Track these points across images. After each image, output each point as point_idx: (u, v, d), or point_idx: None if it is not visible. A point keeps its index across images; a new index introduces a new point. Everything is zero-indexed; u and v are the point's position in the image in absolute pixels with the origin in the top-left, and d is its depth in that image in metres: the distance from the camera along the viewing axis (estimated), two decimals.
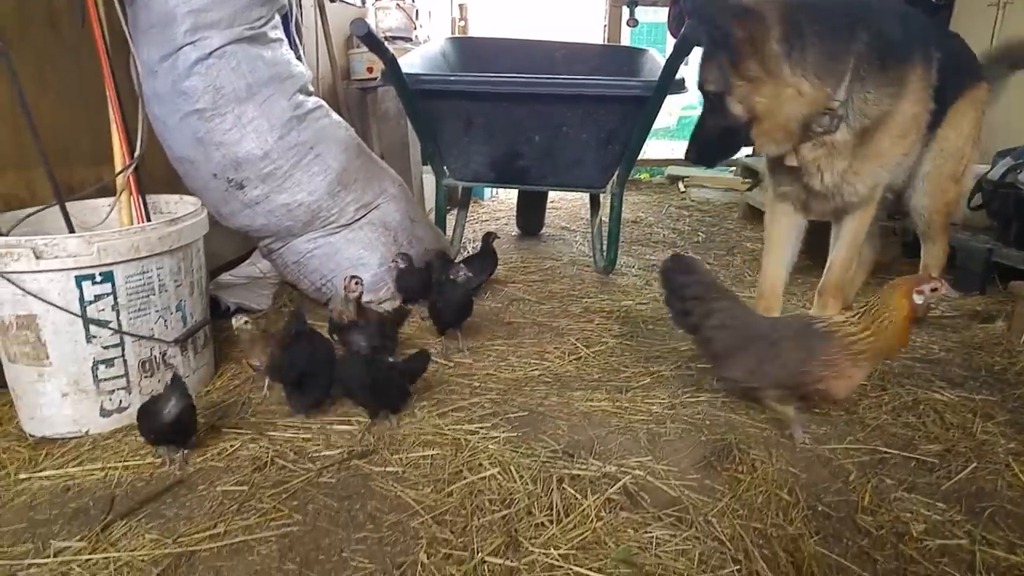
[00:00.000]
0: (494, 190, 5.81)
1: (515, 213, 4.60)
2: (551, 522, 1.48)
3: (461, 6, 6.89)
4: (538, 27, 7.78)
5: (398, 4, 5.03)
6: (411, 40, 5.11)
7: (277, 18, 2.64)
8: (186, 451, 1.73)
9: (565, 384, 2.18)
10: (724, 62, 1.98)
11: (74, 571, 1.34)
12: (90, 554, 1.38)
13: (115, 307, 1.80)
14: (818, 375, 1.72)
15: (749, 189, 5.00)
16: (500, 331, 2.66)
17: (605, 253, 3.52)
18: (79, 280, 1.73)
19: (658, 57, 3.66)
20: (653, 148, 7.67)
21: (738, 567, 1.36)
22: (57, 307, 1.72)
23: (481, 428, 1.89)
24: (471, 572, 1.34)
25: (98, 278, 1.75)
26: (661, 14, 6.04)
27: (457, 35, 6.23)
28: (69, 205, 1.97)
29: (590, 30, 7.39)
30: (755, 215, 4.66)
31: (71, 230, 1.94)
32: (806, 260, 3.18)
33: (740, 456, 1.75)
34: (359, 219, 2.82)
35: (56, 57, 2.30)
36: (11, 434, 1.87)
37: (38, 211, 1.99)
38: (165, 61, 2.30)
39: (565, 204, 5.54)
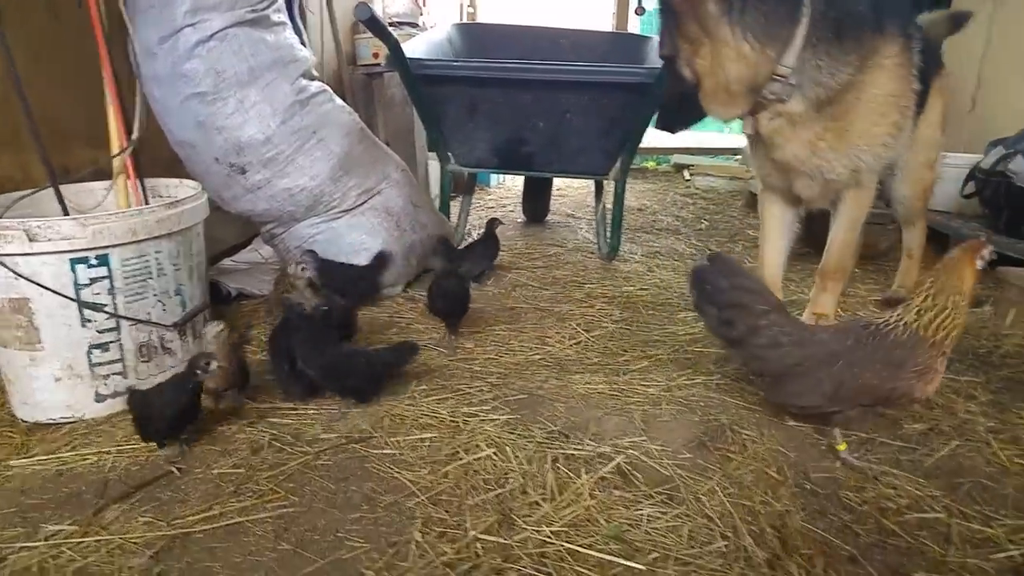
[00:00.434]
0: (500, 177, 5.79)
1: (521, 200, 4.59)
2: (544, 500, 1.49)
3: None
4: (547, 14, 7.73)
5: None
6: (418, 25, 5.09)
7: (280, 1, 2.64)
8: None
9: (564, 368, 2.18)
10: (672, 24, 2.02)
11: (65, 554, 1.35)
12: (81, 537, 1.39)
13: (111, 291, 1.80)
14: (910, 385, 1.61)
15: (753, 177, 4.98)
16: (503, 316, 2.66)
17: (608, 240, 3.51)
18: (73, 263, 1.73)
19: None
20: (659, 136, 7.62)
21: (726, 543, 1.36)
22: (50, 290, 1.72)
23: (480, 411, 1.90)
24: (464, 549, 1.35)
25: (93, 261, 1.75)
26: None
27: (464, 21, 6.20)
28: (65, 188, 1.98)
29: (598, 18, 7.34)
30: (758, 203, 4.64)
31: (65, 212, 1.95)
32: (806, 247, 3.18)
33: (732, 436, 1.75)
34: (361, 204, 2.82)
35: (53, 38, 2.31)
36: (3, 419, 1.88)
37: (32, 193, 2.00)
38: (165, 43, 2.30)
39: (572, 192, 5.52)
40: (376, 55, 4.31)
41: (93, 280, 1.76)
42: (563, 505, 1.47)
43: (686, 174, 6.35)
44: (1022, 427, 1.81)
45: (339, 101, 2.81)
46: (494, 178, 5.75)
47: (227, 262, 3.08)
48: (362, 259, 2.78)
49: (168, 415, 1.64)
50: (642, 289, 2.98)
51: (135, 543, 1.36)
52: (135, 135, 2.05)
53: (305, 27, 3.51)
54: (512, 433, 1.77)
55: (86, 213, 2.07)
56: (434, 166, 4.53)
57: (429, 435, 1.77)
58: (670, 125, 2.34)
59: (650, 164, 6.99)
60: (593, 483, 1.54)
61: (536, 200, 4.49)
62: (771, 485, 1.56)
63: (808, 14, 1.91)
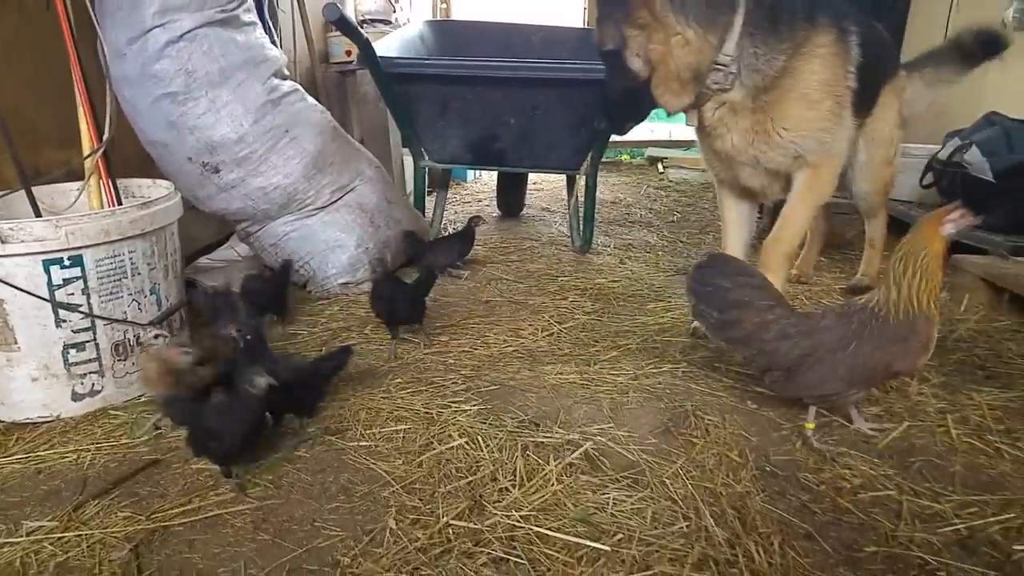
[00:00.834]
0: (476, 172, 5.83)
1: (496, 195, 4.64)
2: (514, 487, 1.54)
3: None
4: (519, 10, 7.75)
5: None
6: (391, 23, 5.09)
7: (250, 1, 2.65)
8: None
9: (537, 359, 2.24)
10: (618, 16, 2.01)
11: (46, 549, 1.38)
12: (62, 533, 1.42)
13: (85, 291, 1.82)
14: (915, 358, 1.68)
15: None
16: (477, 310, 2.71)
17: (581, 233, 3.57)
18: (47, 264, 1.75)
19: None
20: (632, 129, 7.69)
21: (688, 523, 1.42)
22: (24, 291, 1.74)
23: (453, 403, 1.94)
24: (436, 535, 1.40)
25: (66, 262, 1.77)
26: None
27: (436, 19, 6.22)
28: (38, 189, 1.99)
29: (571, 13, 7.40)
30: None
31: (38, 214, 1.96)
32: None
33: (696, 422, 1.82)
34: (335, 201, 2.85)
35: (23, 40, 2.31)
36: None
37: (3, 195, 2.01)
38: (134, 44, 2.32)
39: (548, 186, 5.57)
40: (349, 53, 4.32)
41: (67, 281, 1.78)
42: (532, 491, 1.53)
43: (660, 167, 6.43)
44: (971, 408, 1.89)
45: (311, 100, 2.83)
46: (470, 173, 5.79)
47: (204, 260, 3.09)
48: (338, 255, 2.82)
49: (237, 435, 1.54)
50: (614, 281, 3.04)
51: (115, 537, 1.40)
52: (106, 136, 2.06)
53: (277, 26, 3.53)
54: (484, 423, 1.82)
55: (59, 214, 2.08)
56: (409, 162, 4.55)
57: (404, 427, 1.82)
58: (620, 125, 2.33)
59: (624, 157, 7.07)
60: (561, 469, 1.60)
61: (511, 194, 4.54)
62: (732, 468, 1.63)
63: (744, 3, 1.97)
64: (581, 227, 3.58)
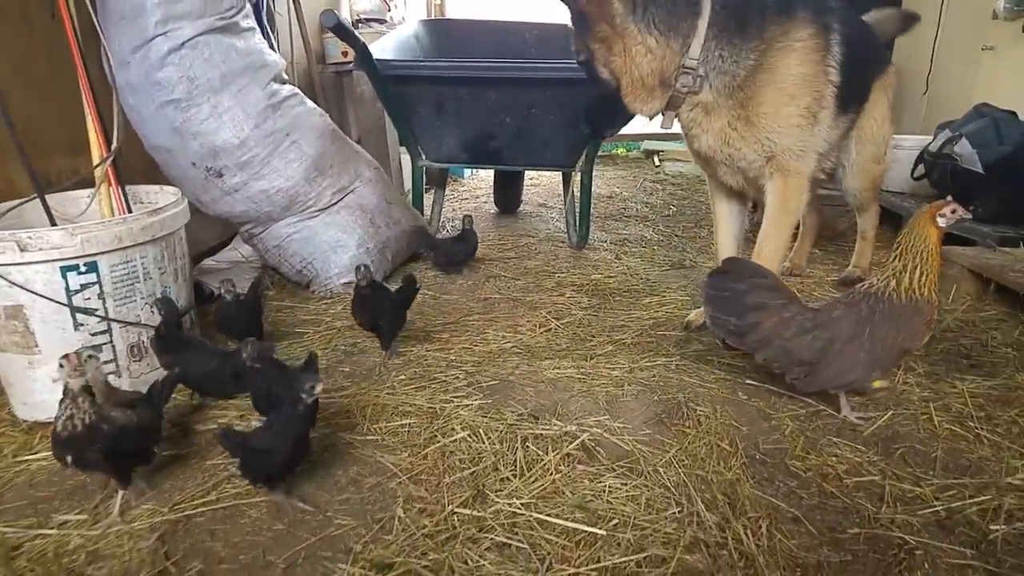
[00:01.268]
0: (473, 169, 5.89)
1: (492, 191, 4.70)
2: (515, 476, 1.62)
3: None
4: (514, 7, 7.77)
5: None
6: (386, 22, 5.15)
7: (248, 7, 2.71)
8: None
9: (535, 354, 2.31)
10: (582, 29, 2.10)
11: (75, 540, 1.45)
12: (91, 525, 1.50)
13: (101, 295, 1.89)
14: (921, 338, 1.79)
15: None
16: (477, 307, 2.78)
17: (577, 229, 3.64)
18: (64, 270, 1.81)
19: None
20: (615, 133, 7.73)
21: (680, 509, 1.50)
22: (43, 297, 1.80)
23: (455, 397, 2.02)
24: (442, 522, 1.48)
25: (82, 268, 1.84)
26: None
27: (431, 18, 6.27)
28: (50, 197, 2.05)
29: (564, 10, 7.40)
30: None
31: (53, 222, 2.03)
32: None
33: (688, 412, 1.90)
34: (336, 203, 2.92)
35: (28, 50, 2.37)
36: (4, 420, 1.97)
37: (20, 204, 2.08)
38: (137, 52, 2.38)
39: (544, 182, 5.64)
40: (345, 53, 4.39)
41: (84, 286, 1.85)
42: (532, 480, 1.61)
43: (655, 160, 6.50)
44: (954, 395, 1.97)
45: (310, 103, 2.90)
46: (466, 170, 5.85)
47: (208, 262, 3.16)
48: (340, 256, 2.89)
49: (286, 450, 1.51)
50: (609, 277, 3.12)
51: (141, 529, 1.47)
52: (115, 144, 2.12)
53: (274, 29, 3.58)
54: (485, 417, 1.89)
55: (71, 221, 2.15)
56: (406, 160, 4.62)
57: (408, 421, 1.89)
58: (599, 130, 2.43)
59: (620, 150, 7.13)
60: (559, 459, 1.68)
61: (507, 191, 4.61)
62: (723, 456, 1.70)
63: (709, 6, 2.02)
64: (577, 223, 3.65)
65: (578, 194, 3.61)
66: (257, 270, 3.14)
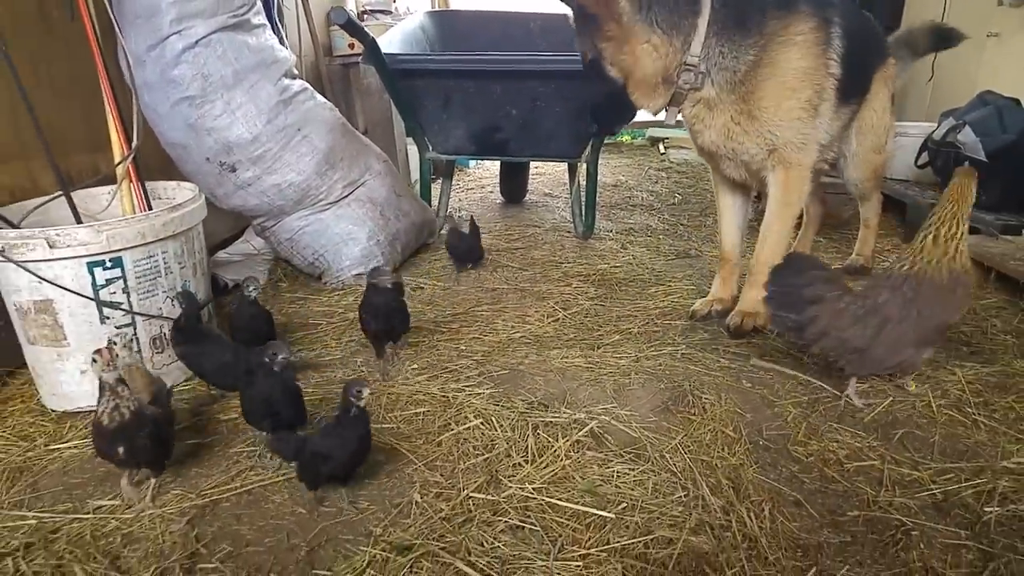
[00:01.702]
0: (479, 160, 5.94)
1: (498, 181, 4.75)
2: (526, 462, 1.69)
3: None
4: None
5: None
6: (391, 13, 5.17)
7: (259, 3, 2.76)
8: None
9: (544, 344, 2.37)
10: (591, 30, 2.12)
11: (111, 523, 1.53)
12: (124, 509, 1.57)
13: (125, 290, 1.96)
14: (963, 308, 1.87)
15: None
16: (485, 297, 2.84)
17: (583, 219, 3.69)
18: (91, 266, 1.88)
19: None
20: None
21: (685, 493, 1.57)
22: (71, 291, 1.88)
23: (467, 386, 2.08)
24: (458, 506, 1.55)
25: (108, 264, 1.91)
26: None
27: (436, 9, 6.28)
28: (73, 194, 2.12)
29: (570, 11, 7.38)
30: None
31: (78, 219, 2.10)
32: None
33: (693, 400, 1.96)
34: (347, 196, 2.98)
35: (48, 50, 2.42)
36: (34, 410, 2.05)
37: (47, 202, 2.14)
38: (152, 51, 2.43)
39: (549, 171, 5.67)
40: (352, 46, 4.42)
41: (109, 281, 1.91)
42: (543, 466, 1.67)
43: (661, 147, 6.52)
44: (952, 382, 2.02)
45: (320, 98, 2.95)
46: (472, 160, 5.89)
47: (221, 254, 3.23)
48: (351, 248, 2.95)
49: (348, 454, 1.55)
50: (616, 266, 3.17)
51: (171, 512, 1.55)
52: (135, 143, 2.18)
53: (283, 24, 3.62)
54: (497, 405, 1.96)
55: (93, 217, 2.22)
56: (413, 151, 4.67)
57: (423, 410, 1.96)
58: (608, 126, 2.47)
59: (625, 138, 7.15)
60: (569, 446, 1.74)
61: (513, 181, 4.65)
62: (728, 442, 1.76)
63: (708, 4, 2.05)
64: (583, 213, 3.70)
65: (584, 184, 3.65)
66: (269, 262, 3.21)
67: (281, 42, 2.97)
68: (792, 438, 1.79)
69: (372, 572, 1.37)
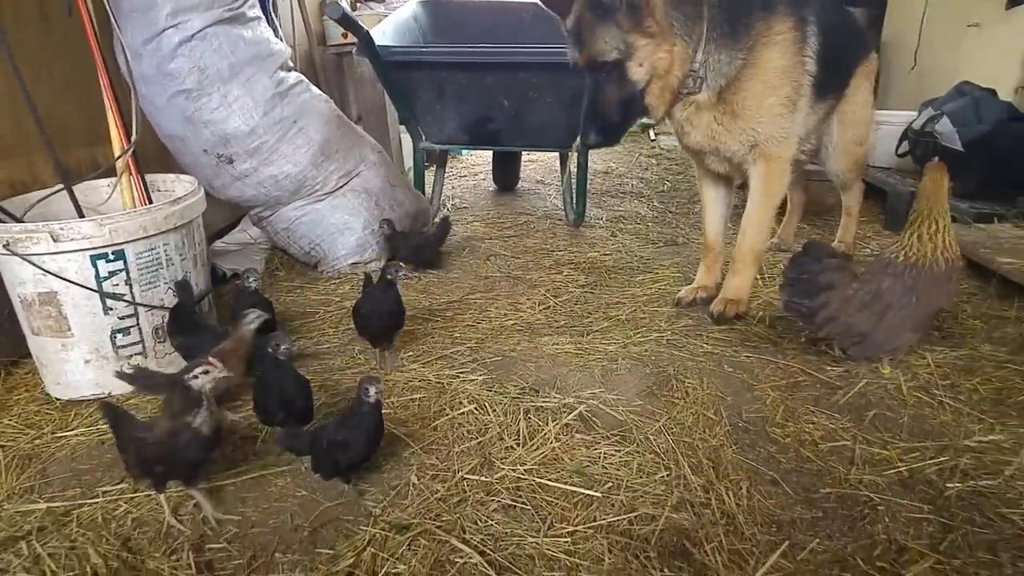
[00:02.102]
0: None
1: (491, 169, 4.81)
2: (518, 445, 1.77)
3: None
4: None
5: None
6: (384, 1, 5.20)
7: None
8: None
9: (535, 331, 2.45)
10: (624, 23, 2.03)
11: (122, 507, 1.61)
12: (132, 494, 1.65)
13: (128, 281, 2.02)
14: (954, 296, 2.03)
15: None
16: (478, 285, 2.92)
17: (575, 207, 3.76)
18: (94, 259, 1.94)
19: None
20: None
21: (668, 473, 1.66)
22: (75, 284, 1.94)
23: (461, 373, 2.16)
24: (453, 487, 1.63)
25: (111, 256, 1.97)
26: None
27: None
28: (74, 187, 2.17)
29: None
30: None
31: (80, 213, 2.15)
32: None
33: (677, 384, 2.05)
34: (342, 186, 3.03)
35: (46, 45, 2.46)
36: (39, 399, 2.11)
37: (48, 195, 2.20)
38: (149, 44, 2.47)
39: (541, 158, 5.73)
40: (345, 35, 4.45)
41: (112, 273, 1.98)
42: (534, 448, 1.76)
43: (651, 134, 6.58)
44: (922, 366, 2.11)
45: (316, 90, 2.99)
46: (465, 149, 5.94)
47: (219, 244, 3.28)
48: (347, 237, 3.01)
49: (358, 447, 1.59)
50: (605, 254, 3.25)
51: (180, 495, 1.62)
52: (135, 136, 2.23)
53: (276, 15, 3.65)
54: (490, 391, 2.04)
55: (93, 210, 2.27)
56: (406, 139, 4.71)
57: (419, 395, 2.04)
58: (614, 137, 2.32)
59: None
60: (559, 429, 1.83)
61: (506, 169, 4.72)
62: (709, 424, 1.85)
63: (707, 13, 2.09)
64: (574, 201, 3.77)
65: (575, 172, 3.72)
66: (266, 251, 3.27)
67: (276, 34, 3.01)
68: (770, 420, 1.88)
69: (372, 550, 1.45)
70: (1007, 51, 3.71)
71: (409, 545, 1.46)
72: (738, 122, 2.22)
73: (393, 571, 1.39)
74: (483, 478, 1.66)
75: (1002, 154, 3.12)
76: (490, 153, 4.94)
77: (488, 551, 1.43)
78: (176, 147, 2.72)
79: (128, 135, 2.24)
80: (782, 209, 2.85)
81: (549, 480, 1.64)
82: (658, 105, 2.20)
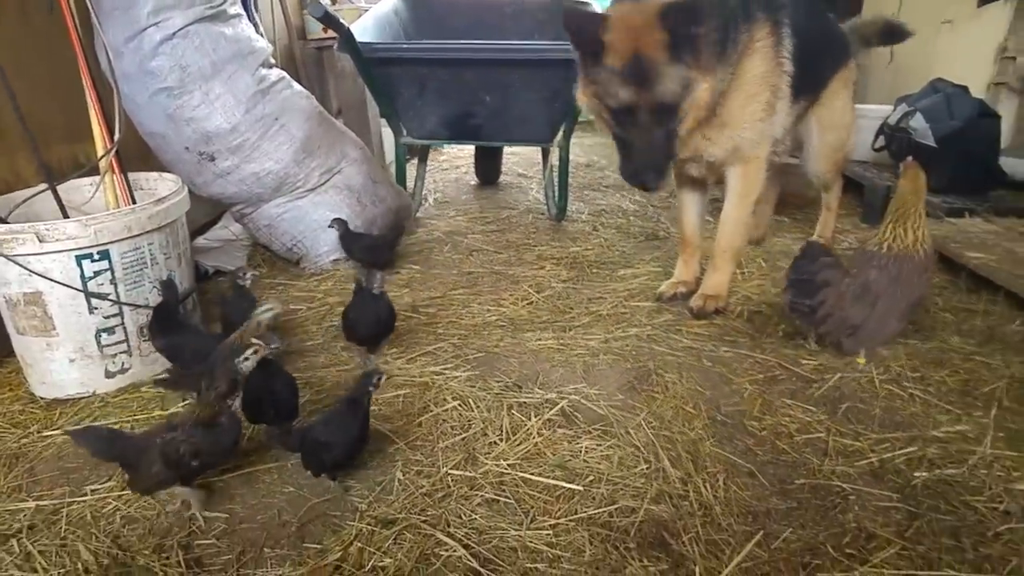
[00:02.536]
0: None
1: (473, 162, 4.83)
2: (501, 440, 1.81)
3: None
4: None
5: None
6: None
7: None
8: None
9: (518, 327, 2.48)
10: (690, 60, 1.99)
11: (111, 504, 1.63)
12: (121, 491, 1.66)
13: (113, 281, 2.03)
14: (930, 285, 2.14)
15: None
16: (461, 281, 2.94)
17: (556, 202, 3.79)
18: (79, 259, 1.95)
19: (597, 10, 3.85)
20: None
21: (648, 466, 1.70)
22: (61, 284, 1.94)
23: (445, 369, 2.19)
24: (438, 482, 1.67)
25: (96, 256, 1.98)
26: None
27: None
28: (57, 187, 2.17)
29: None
30: None
31: (64, 213, 2.15)
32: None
33: (657, 379, 2.10)
34: (324, 183, 3.04)
35: (26, 42, 2.45)
36: (23, 398, 2.12)
37: (32, 196, 2.20)
38: (130, 42, 2.47)
39: (523, 151, 5.73)
40: (325, 29, 4.41)
41: (97, 273, 1.99)
42: (517, 443, 1.80)
43: None
44: (893, 358, 2.18)
45: (297, 87, 3.00)
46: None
47: (200, 240, 3.28)
48: (329, 234, 3.02)
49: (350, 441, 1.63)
50: (587, 249, 3.29)
51: (167, 493, 1.64)
52: (118, 136, 2.23)
53: (257, 9, 3.64)
54: (473, 387, 2.07)
55: (76, 209, 2.27)
56: (387, 133, 4.71)
57: (403, 392, 2.07)
58: (668, 178, 2.24)
59: None
60: (541, 424, 1.87)
61: (488, 163, 4.74)
62: (688, 418, 1.90)
63: (717, 35, 2.08)
64: (556, 196, 3.80)
65: (556, 166, 3.75)
66: (248, 248, 3.28)
67: (257, 30, 3.00)
68: (748, 413, 1.93)
69: (359, 544, 1.48)
70: (979, 48, 3.78)
71: (395, 539, 1.50)
72: (724, 131, 2.26)
73: (380, 565, 1.43)
74: (467, 473, 1.70)
75: (973, 150, 3.20)
76: (472, 148, 4.96)
77: (472, 544, 1.47)
78: (158, 145, 2.72)
79: (111, 134, 2.24)
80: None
81: (532, 474, 1.68)
82: (685, 138, 2.18)
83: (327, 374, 2.19)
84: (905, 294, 2.06)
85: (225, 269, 3.03)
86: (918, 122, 3.38)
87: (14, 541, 1.52)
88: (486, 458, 1.75)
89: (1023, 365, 2.09)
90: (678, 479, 1.66)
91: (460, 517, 1.56)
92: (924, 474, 1.65)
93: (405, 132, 3.64)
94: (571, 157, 3.84)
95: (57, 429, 1.94)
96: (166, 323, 2.06)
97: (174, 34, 2.51)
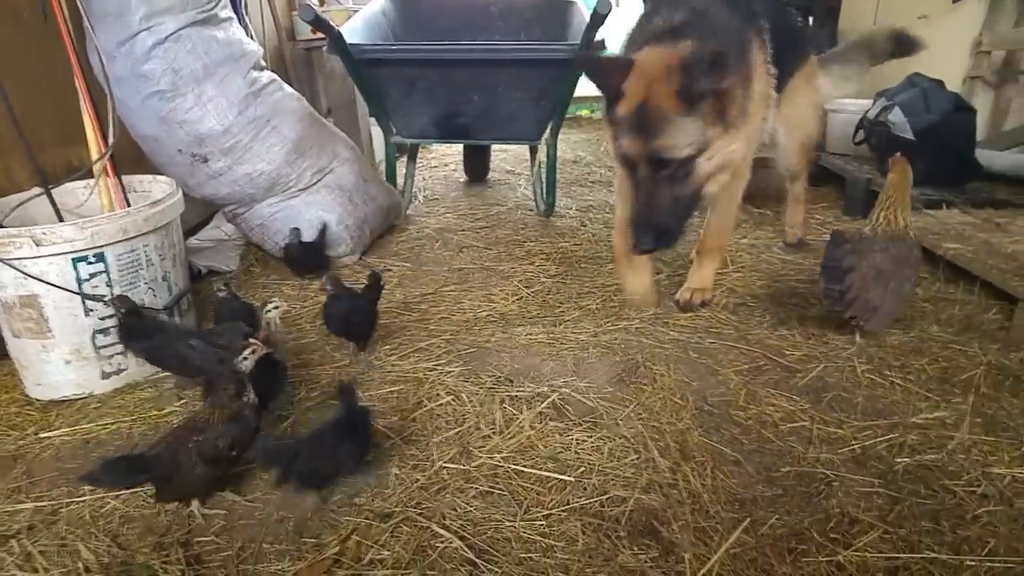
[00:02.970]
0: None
1: (462, 160, 4.86)
2: (494, 434, 1.86)
3: None
4: None
5: None
6: None
7: None
8: None
9: (509, 322, 2.53)
10: (709, 113, 1.92)
11: (109, 504, 1.65)
12: (119, 491, 1.69)
13: (108, 283, 2.05)
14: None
15: None
16: (452, 277, 2.98)
17: (545, 198, 3.84)
18: (75, 262, 1.98)
19: (583, 10, 3.88)
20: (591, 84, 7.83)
21: (637, 456, 1.75)
22: (57, 287, 1.97)
23: (438, 365, 2.23)
24: (433, 476, 1.71)
25: (92, 259, 2.00)
26: None
27: None
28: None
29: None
30: None
31: (59, 216, 2.18)
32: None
33: (645, 371, 2.14)
34: (316, 183, 3.07)
35: (18, 47, 2.46)
36: (19, 399, 2.14)
37: (27, 200, 2.21)
38: (123, 46, 2.48)
39: (511, 148, 5.76)
40: (314, 30, 4.43)
41: (92, 275, 2.01)
42: (509, 436, 1.84)
43: None
44: (876, 348, 2.24)
45: (288, 89, 3.02)
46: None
47: (193, 241, 3.30)
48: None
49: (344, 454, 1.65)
50: (576, 244, 3.33)
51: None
52: (112, 140, 2.25)
53: (246, 12, 3.66)
54: (466, 382, 2.11)
55: (70, 212, 2.29)
56: (377, 132, 4.74)
57: (397, 388, 2.11)
58: (670, 241, 2.14)
59: (584, 112, 7.27)
60: (533, 417, 1.91)
61: (476, 160, 4.77)
62: (675, 409, 1.95)
63: (731, 96, 1.99)
64: (544, 192, 3.84)
65: (544, 163, 3.79)
66: (241, 247, 3.30)
67: (248, 33, 3.02)
68: (734, 403, 1.98)
69: (356, 538, 1.52)
70: (954, 43, 3.85)
71: (392, 532, 1.54)
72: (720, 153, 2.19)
73: (377, 558, 1.47)
74: (461, 466, 1.74)
75: (950, 143, 3.26)
76: (461, 146, 4.99)
77: (468, 535, 1.52)
78: (151, 147, 2.74)
79: (105, 137, 2.26)
80: None
81: (525, 466, 1.72)
82: (716, 192, 2.16)
83: (321, 372, 2.22)
84: (908, 274, 2.19)
85: (218, 269, 3.05)
86: (896, 116, 3.44)
87: (14, 542, 1.54)
88: (480, 451, 1.79)
89: (999, 353, 2.16)
90: (667, 469, 1.71)
91: (455, 509, 1.60)
92: (905, 460, 1.70)
93: (394, 131, 3.67)
94: (558, 154, 3.88)
95: (54, 431, 1.96)
96: (137, 328, 2.01)
97: (166, 38, 2.52)
